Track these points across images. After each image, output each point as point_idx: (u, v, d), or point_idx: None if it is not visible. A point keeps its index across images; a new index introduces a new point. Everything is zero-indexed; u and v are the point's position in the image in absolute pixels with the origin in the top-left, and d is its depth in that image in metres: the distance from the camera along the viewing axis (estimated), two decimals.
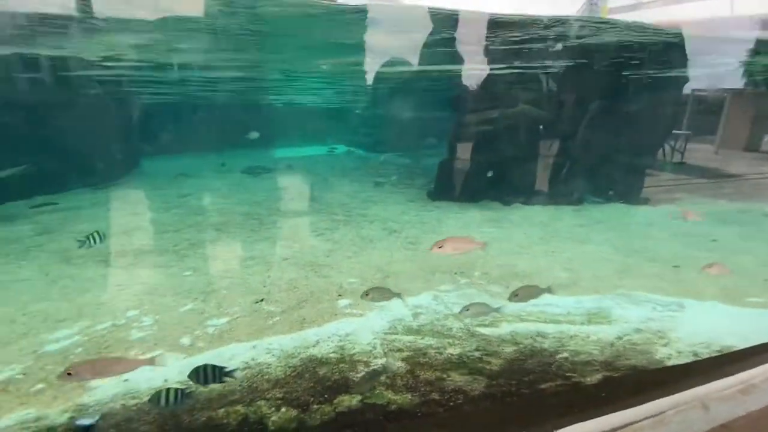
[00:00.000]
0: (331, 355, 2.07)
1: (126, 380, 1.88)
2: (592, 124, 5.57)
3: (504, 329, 2.27)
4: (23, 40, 5.33)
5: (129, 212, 4.81)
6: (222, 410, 1.68)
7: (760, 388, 1.49)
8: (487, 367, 1.92)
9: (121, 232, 3.94)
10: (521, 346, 2.09)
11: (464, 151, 5.69)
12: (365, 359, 2.02)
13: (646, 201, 5.46)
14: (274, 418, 1.63)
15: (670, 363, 1.70)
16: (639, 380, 1.67)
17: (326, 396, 1.75)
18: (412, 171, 7.78)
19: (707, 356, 1.85)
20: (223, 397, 1.77)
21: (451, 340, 2.17)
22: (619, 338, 2.13)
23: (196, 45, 6.62)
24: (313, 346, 2.15)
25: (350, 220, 4.59)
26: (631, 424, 1.31)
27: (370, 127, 11.89)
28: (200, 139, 9.15)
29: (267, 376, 1.91)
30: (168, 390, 1.60)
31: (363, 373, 1.87)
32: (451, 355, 2.03)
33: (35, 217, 4.77)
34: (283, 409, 1.67)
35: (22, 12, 4.95)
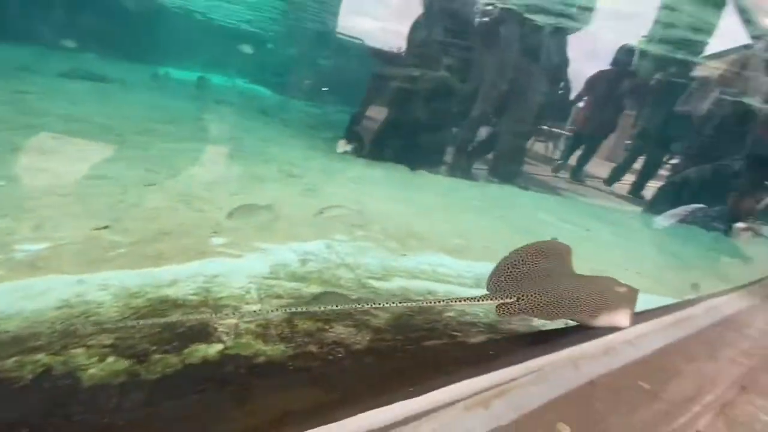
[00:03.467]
0: (191, 297, 1.70)
1: None
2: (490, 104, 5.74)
3: (395, 284, 2.19)
4: None
5: None
6: (12, 360, 1.22)
7: (618, 350, 1.64)
8: (374, 321, 1.80)
9: None
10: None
11: (378, 108, 5.48)
12: (234, 304, 1.72)
13: (527, 187, 5.95)
14: (92, 370, 1.24)
15: (545, 328, 1.82)
16: (519, 342, 1.74)
17: (175, 344, 1.42)
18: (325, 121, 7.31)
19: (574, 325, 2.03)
20: (19, 342, 1.31)
21: (339, 290, 2.00)
22: None
23: None
24: (168, 285, 1.74)
25: (242, 156, 4.04)
26: (516, 379, 1.33)
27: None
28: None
29: (95, 317, 1.48)
30: None
31: None
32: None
33: None
34: (110, 360, 1.29)
35: None
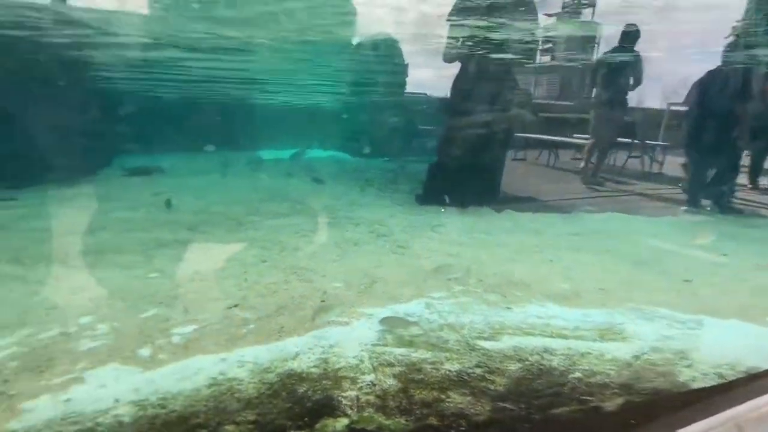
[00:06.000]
0: (313, 369, 1.83)
1: (68, 400, 1.60)
2: None
3: (506, 343, 2.10)
4: None
5: (94, 210, 4.45)
6: None
7: None
8: (491, 386, 1.73)
9: (82, 232, 3.60)
10: (527, 363, 1.91)
11: (455, 156, 5.57)
12: (352, 375, 1.81)
13: (637, 211, 5.37)
14: None
15: (695, 385, 1.56)
16: (665, 405, 1.52)
17: (306, 419, 1.52)
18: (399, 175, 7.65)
19: (735, 377, 1.72)
20: (183, 421, 1.52)
21: (448, 354, 1.98)
22: (637, 357, 1.96)
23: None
24: (293, 358, 1.92)
25: (335, 223, 4.38)
26: None
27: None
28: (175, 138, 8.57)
29: (238, 395, 1.67)
30: None
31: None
32: (449, 371, 1.84)
33: None
34: None
35: None
